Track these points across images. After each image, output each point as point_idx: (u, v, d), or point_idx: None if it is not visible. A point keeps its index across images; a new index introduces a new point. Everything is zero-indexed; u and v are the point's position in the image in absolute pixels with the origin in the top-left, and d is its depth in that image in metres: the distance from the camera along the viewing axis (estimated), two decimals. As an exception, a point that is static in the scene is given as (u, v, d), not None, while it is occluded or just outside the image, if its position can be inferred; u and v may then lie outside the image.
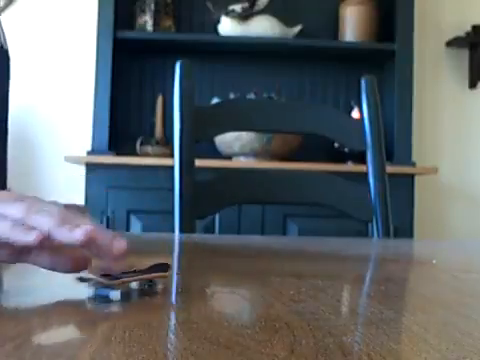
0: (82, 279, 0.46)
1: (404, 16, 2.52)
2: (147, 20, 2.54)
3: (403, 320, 0.42)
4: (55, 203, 0.46)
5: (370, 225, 1.31)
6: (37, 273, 0.59)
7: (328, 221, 2.23)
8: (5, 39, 0.97)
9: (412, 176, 2.44)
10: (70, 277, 0.47)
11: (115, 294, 0.42)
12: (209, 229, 2.27)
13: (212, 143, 2.49)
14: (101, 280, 0.44)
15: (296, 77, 2.73)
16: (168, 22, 2.59)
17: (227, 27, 2.54)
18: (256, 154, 2.43)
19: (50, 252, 0.45)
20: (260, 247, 1.02)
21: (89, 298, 0.44)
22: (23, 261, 0.46)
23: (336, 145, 2.54)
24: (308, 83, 2.73)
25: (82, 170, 2.40)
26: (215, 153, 2.48)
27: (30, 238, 0.42)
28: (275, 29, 2.54)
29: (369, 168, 1.32)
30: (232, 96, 2.55)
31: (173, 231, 1.20)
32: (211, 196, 1.27)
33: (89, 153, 2.42)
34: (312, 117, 1.36)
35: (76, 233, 0.42)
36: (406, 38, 2.51)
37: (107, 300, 0.42)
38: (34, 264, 0.46)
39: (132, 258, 0.62)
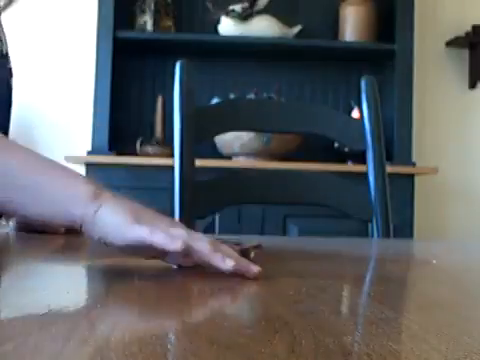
0: None
1: (404, 16, 2.52)
2: (147, 20, 2.54)
3: (403, 320, 0.42)
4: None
5: (370, 225, 1.31)
6: (37, 273, 0.59)
7: (328, 221, 2.23)
8: (6, 42, 0.97)
9: (412, 176, 2.44)
10: (71, 278, 0.47)
11: None
12: (209, 229, 2.27)
13: (212, 143, 2.48)
14: None
15: (296, 77, 2.73)
16: (168, 22, 2.59)
17: (227, 27, 2.54)
18: (256, 154, 2.43)
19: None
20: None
21: None
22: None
23: (336, 145, 2.54)
24: (308, 83, 2.73)
25: (82, 170, 2.40)
26: (215, 153, 2.48)
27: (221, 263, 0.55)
28: (275, 29, 2.54)
29: (369, 168, 1.32)
30: (232, 96, 2.55)
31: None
32: (211, 196, 1.27)
33: (89, 153, 2.42)
34: (312, 117, 1.36)
35: (228, 264, 0.55)
36: (406, 38, 2.51)
37: None
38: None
39: (133, 258, 0.62)
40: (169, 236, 0.57)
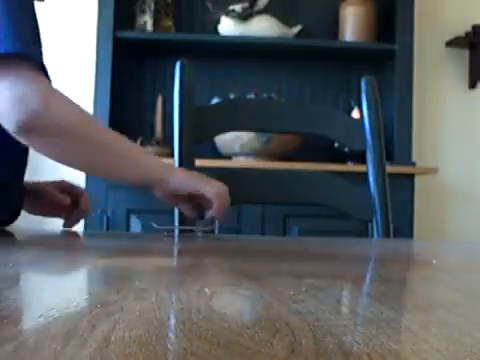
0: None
1: (404, 16, 2.52)
2: (147, 20, 2.54)
3: (403, 320, 0.42)
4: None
5: (370, 225, 1.31)
6: (37, 274, 0.59)
7: (328, 221, 2.23)
8: None
9: (412, 176, 2.44)
10: (70, 278, 0.47)
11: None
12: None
13: (212, 143, 2.48)
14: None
15: (296, 77, 2.73)
16: (168, 22, 2.59)
17: (227, 27, 2.54)
18: (256, 154, 2.43)
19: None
20: (260, 247, 1.02)
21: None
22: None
23: (336, 145, 2.54)
24: (308, 83, 2.73)
25: (82, 170, 2.40)
26: (215, 153, 2.48)
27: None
28: (275, 29, 2.54)
29: (369, 168, 1.32)
30: (232, 96, 2.55)
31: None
32: (211, 196, 1.27)
33: (89, 153, 2.42)
34: (312, 117, 1.36)
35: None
36: (406, 38, 2.51)
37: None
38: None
39: (133, 257, 0.62)
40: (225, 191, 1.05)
